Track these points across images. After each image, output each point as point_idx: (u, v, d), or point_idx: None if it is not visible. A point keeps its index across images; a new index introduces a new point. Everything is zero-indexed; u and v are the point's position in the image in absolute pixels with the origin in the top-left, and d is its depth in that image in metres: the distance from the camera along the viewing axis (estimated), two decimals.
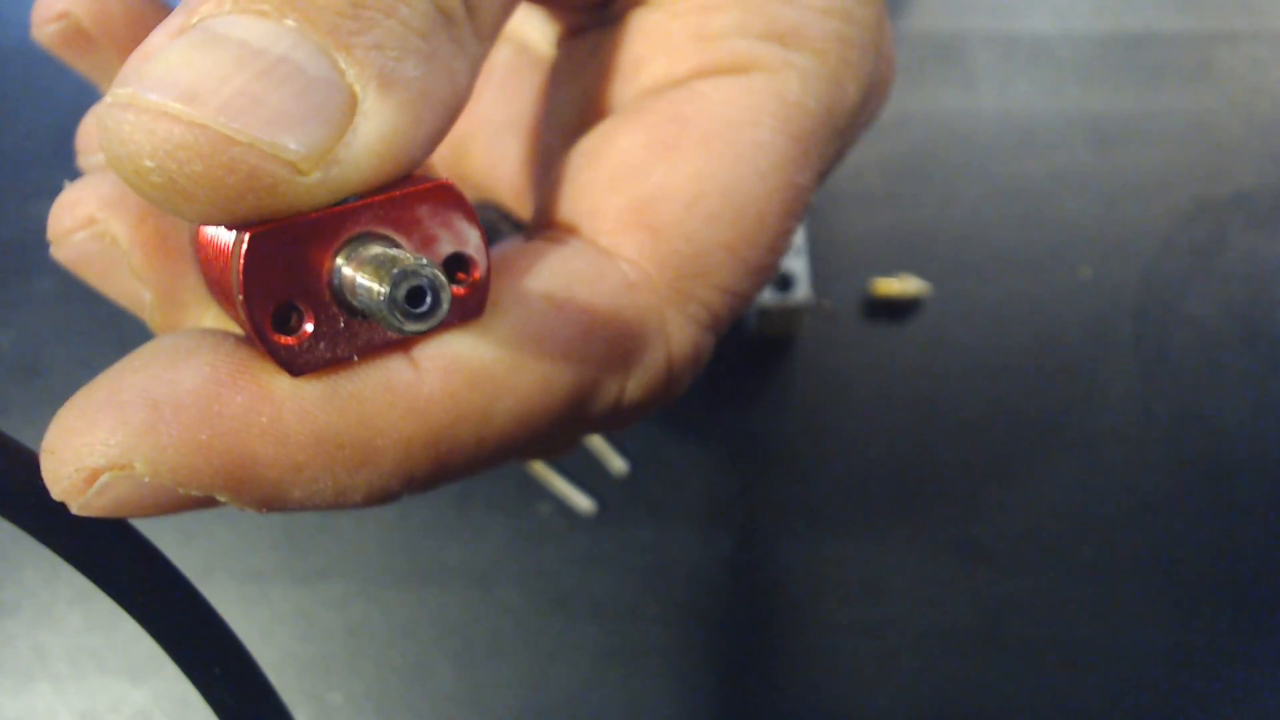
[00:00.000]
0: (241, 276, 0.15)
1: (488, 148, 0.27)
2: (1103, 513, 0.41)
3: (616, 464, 0.42)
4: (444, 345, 0.17)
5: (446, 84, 0.16)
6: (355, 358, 0.17)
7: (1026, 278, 0.44)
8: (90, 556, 0.16)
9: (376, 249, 0.15)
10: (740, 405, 0.43)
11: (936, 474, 0.42)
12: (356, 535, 0.41)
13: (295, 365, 0.16)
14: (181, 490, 0.16)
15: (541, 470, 0.41)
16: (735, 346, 0.44)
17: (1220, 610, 0.39)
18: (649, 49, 0.21)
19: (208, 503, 0.16)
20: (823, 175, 0.22)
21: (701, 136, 0.19)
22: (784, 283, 0.40)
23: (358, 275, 0.15)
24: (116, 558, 0.16)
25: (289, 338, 0.16)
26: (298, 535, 0.41)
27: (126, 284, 0.21)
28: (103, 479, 0.15)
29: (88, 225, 0.21)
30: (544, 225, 0.21)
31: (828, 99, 0.21)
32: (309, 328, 0.16)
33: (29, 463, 0.16)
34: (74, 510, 0.15)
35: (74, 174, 0.51)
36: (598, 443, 0.42)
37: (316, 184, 0.15)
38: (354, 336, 0.17)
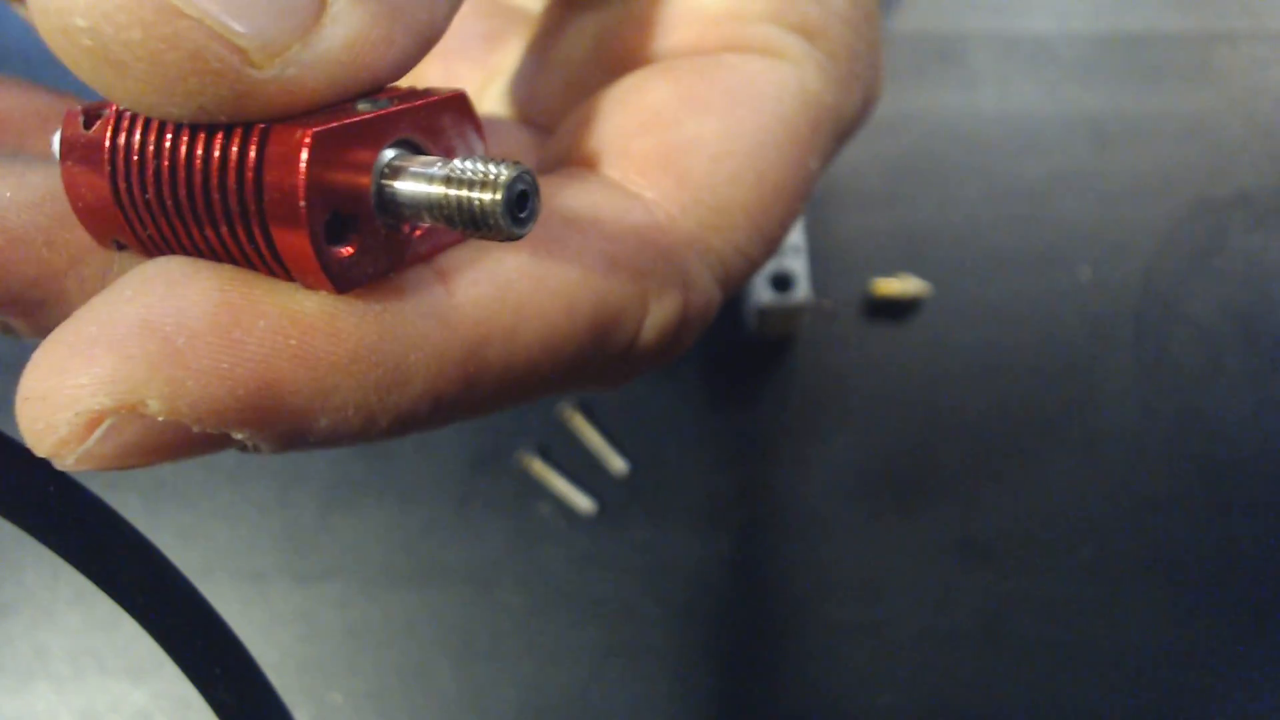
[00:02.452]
0: (304, 179, 0.14)
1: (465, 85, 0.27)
2: (1103, 513, 0.41)
3: (616, 464, 0.42)
4: (474, 260, 0.17)
5: (424, 9, 0.15)
6: (391, 273, 0.16)
7: (1026, 278, 0.44)
8: (90, 556, 0.16)
9: (442, 157, 0.15)
10: (740, 405, 0.43)
11: (936, 474, 0.42)
12: (356, 535, 0.41)
13: (344, 280, 0.15)
14: (198, 428, 0.14)
15: (541, 470, 0.41)
16: (735, 346, 0.44)
17: (1220, 610, 0.39)
18: (680, 17, 0.21)
19: (219, 444, 0.15)
20: (822, 171, 0.22)
21: (731, 99, 0.20)
22: (784, 283, 0.40)
23: (447, 183, 0.14)
24: (116, 558, 0.16)
25: (343, 249, 0.15)
26: (298, 535, 0.41)
27: None
28: (107, 423, 0.13)
29: None
30: (563, 161, 0.21)
31: (839, 98, 0.21)
32: (353, 240, 0.15)
33: (29, 463, 0.16)
34: (69, 464, 0.14)
35: None
36: (598, 443, 0.42)
37: (268, 81, 0.13)
38: (391, 249, 0.16)
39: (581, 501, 0.41)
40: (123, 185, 0.15)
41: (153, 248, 0.16)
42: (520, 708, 0.39)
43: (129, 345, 0.13)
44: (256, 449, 0.15)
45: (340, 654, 0.40)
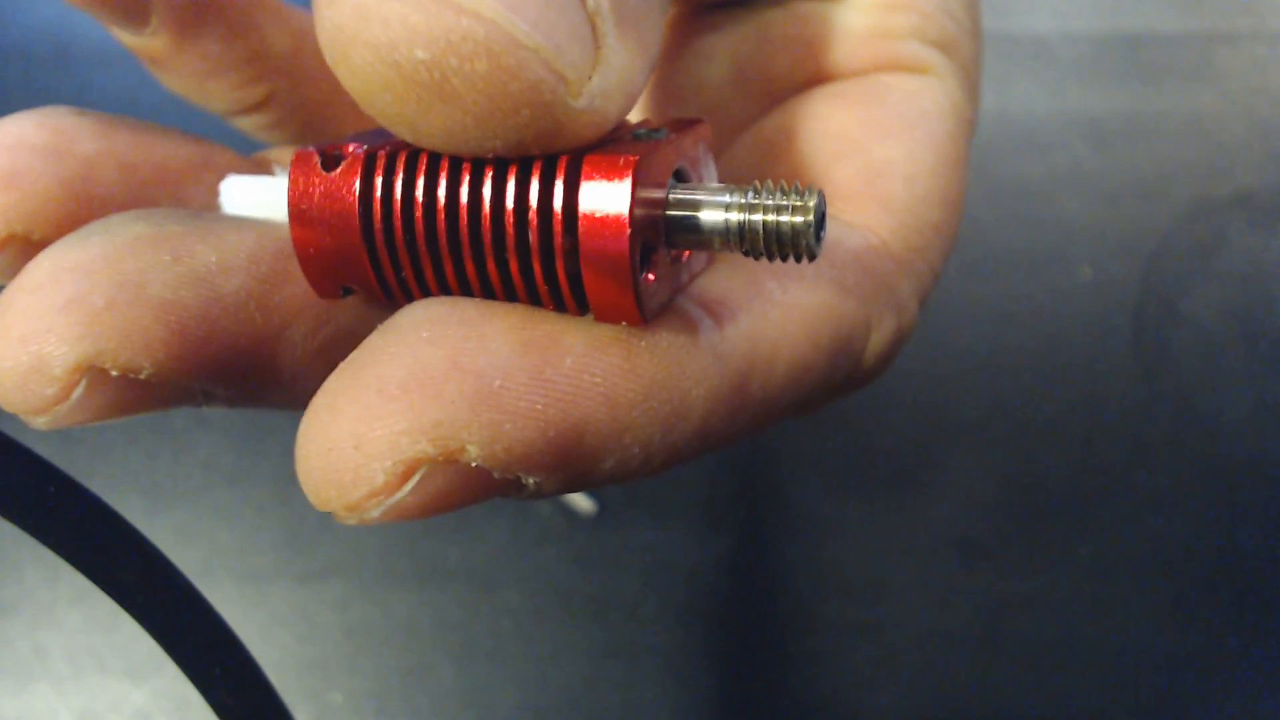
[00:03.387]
0: (631, 207, 0.13)
1: None
2: (1103, 513, 0.41)
3: None
4: (734, 292, 0.16)
5: (656, 39, 0.15)
6: (670, 303, 0.15)
7: (1026, 278, 0.44)
8: (90, 556, 0.16)
9: (728, 184, 0.15)
10: None
11: (936, 474, 0.42)
12: (356, 535, 0.41)
13: (649, 310, 0.14)
14: (501, 474, 0.14)
15: None
16: None
17: (1220, 610, 0.39)
18: (827, 38, 0.22)
19: (506, 489, 0.14)
20: None
21: (906, 121, 0.20)
22: None
23: (751, 210, 0.15)
24: (116, 558, 0.16)
25: (648, 276, 0.14)
26: (298, 535, 0.41)
27: None
28: (421, 471, 0.13)
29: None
30: None
31: (973, 111, 0.22)
32: (651, 269, 0.15)
33: (29, 463, 0.16)
34: (372, 517, 0.13)
35: None
36: None
37: (581, 112, 0.13)
38: (675, 276, 0.16)
39: (581, 501, 0.41)
40: (379, 227, 0.15)
41: (398, 290, 0.15)
42: (520, 708, 0.39)
43: (446, 389, 0.13)
44: (537, 493, 0.15)
45: (340, 654, 0.40)
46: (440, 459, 0.13)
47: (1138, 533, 0.40)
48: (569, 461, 0.14)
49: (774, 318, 0.17)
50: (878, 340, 0.20)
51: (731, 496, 0.41)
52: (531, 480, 0.14)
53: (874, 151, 0.20)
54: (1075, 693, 0.39)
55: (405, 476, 0.13)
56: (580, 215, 0.14)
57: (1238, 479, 0.41)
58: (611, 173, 0.14)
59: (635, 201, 0.14)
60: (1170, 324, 0.44)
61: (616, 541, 0.41)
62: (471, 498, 0.14)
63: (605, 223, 0.14)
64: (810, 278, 0.18)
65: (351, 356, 0.14)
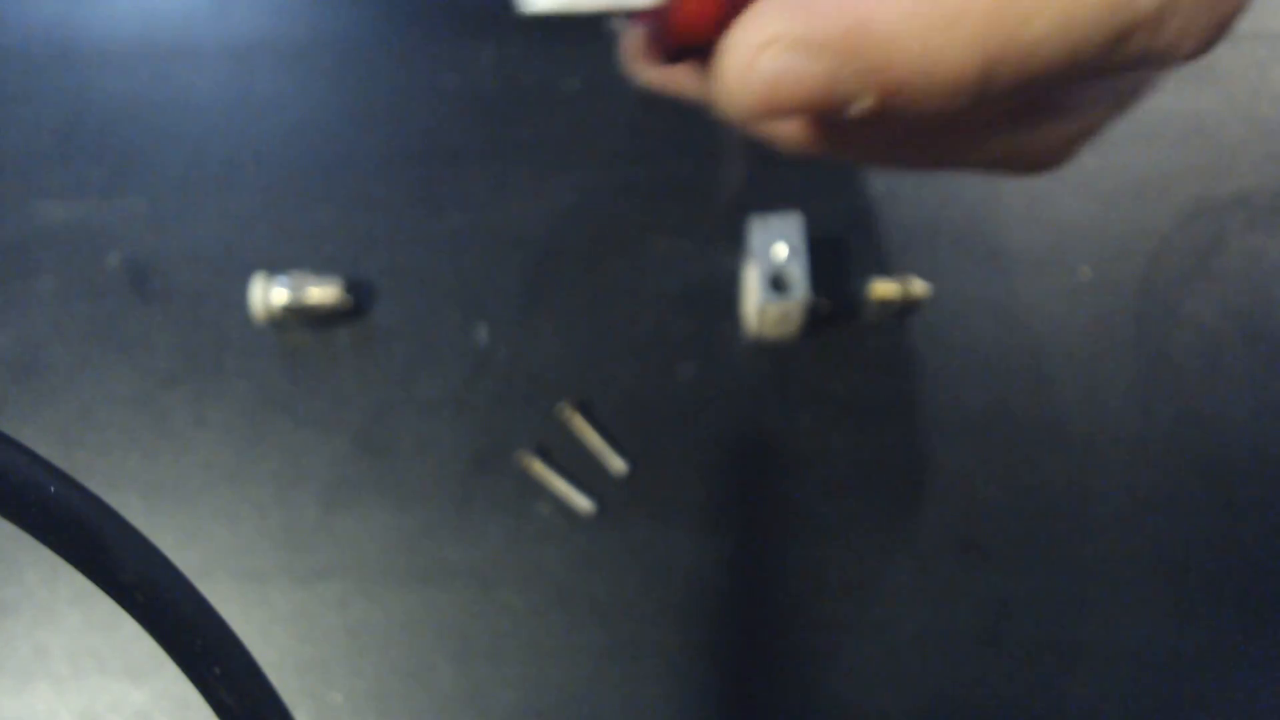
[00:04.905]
0: None
1: None
2: (1103, 513, 0.41)
3: (616, 464, 0.42)
4: None
5: None
6: None
7: (1026, 278, 0.44)
8: (90, 556, 0.16)
9: None
10: (740, 405, 0.43)
11: (936, 474, 0.42)
12: (356, 535, 0.41)
13: None
14: (816, 61, 0.19)
15: (541, 470, 0.41)
16: (735, 346, 0.44)
17: (1220, 610, 0.39)
18: None
19: (829, 93, 0.19)
20: None
21: None
22: (782, 283, 0.40)
23: None
24: (116, 558, 0.16)
25: None
26: (298, 535, 0.41)
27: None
28: (768, 51, 0.19)
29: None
30: None
31: None
32: None
33: (29, 462, 0.16)
34: (742, 92, 0.19)
35: (71, 175, 0.51)
36: (598, 443, 0.42)
37: None
38: None
39: (581, 501, 0.41)
40: None
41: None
42: (520, 708, 0.39)
43: (786, 8, 0.19)
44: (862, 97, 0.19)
45: (340, 654, 0.40)
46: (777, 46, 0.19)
47: (1138, 533, 0.40)
48: (861, 59, 0.19)
49: None
50: (1188, 11, 0.19)
51: (731, 496, 0.41)
52: (847, 72, 0.19)
53: None
54: (1075, 693, 0.39)
55: (759, 51, 0.19)
56: None
57: (1238, 479, 0.41)
58: None
59: None
60: (1170, 324, 0.44)
61: (616, 541, 0.41)
62: (802, 95, 0.19)
63: None
64: None
65: None
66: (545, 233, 0.45)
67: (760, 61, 0.19)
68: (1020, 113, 0.22)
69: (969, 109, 0.19)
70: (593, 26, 0.49)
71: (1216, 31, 0.19)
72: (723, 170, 0.46)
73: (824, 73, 0.19)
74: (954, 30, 0.18)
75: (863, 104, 0.19)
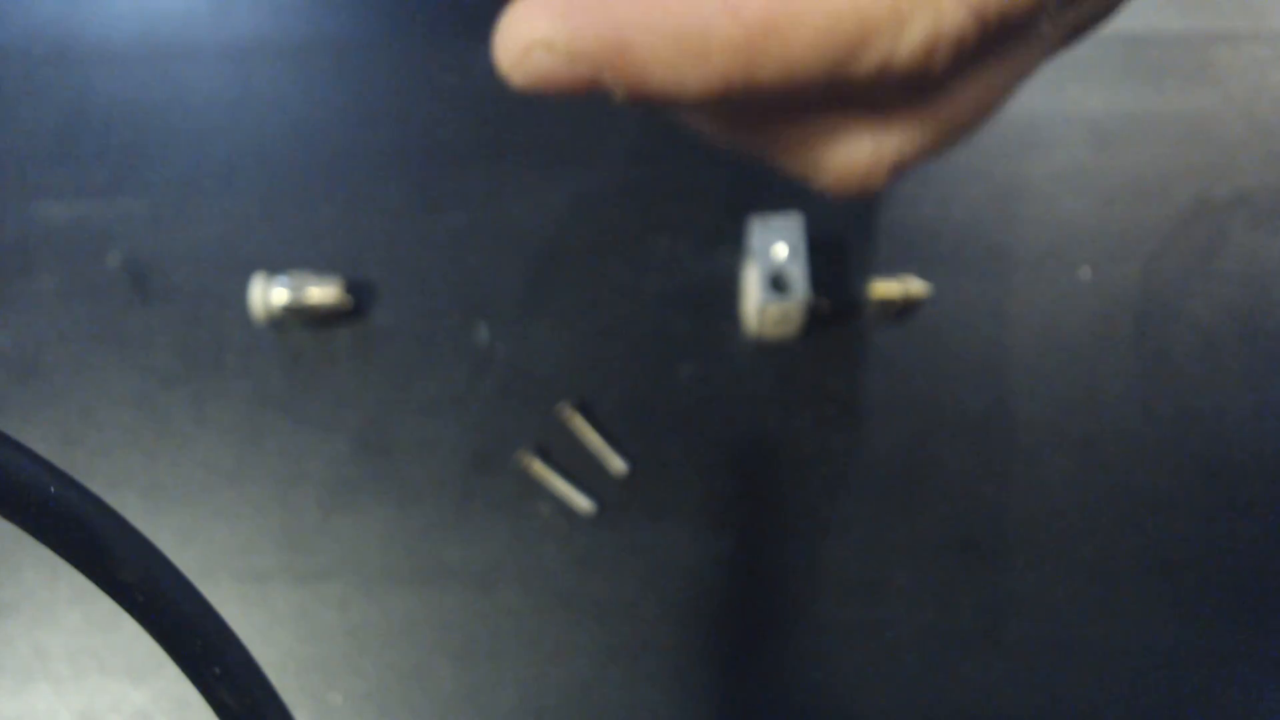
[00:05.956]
0: None
1: None
2: (1103, 513, 0.41)
3: (616, 464, 0.42)
4: None
5: None
6: None
7: (1026, 278, 0.44)
8: (90, 556, 0.16)
9: None
10: (740, 405, 0.43)
11: (936, 474, 0.42)
12: (356, 535, 0.41)
13: None
14: (576, 66, 0.21)
15: (541, 470, 0.41)
16: (735, 346, 0.44)
17: (1220, 610, 0.39)
18: None
19: (591, 85, 0.22)
20: None
21: None
22: (782, 283, 0.40)
23: None
24: (116, 558, 0.16)
25: None
26: (298, 535, 0.41)
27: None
28: (533, 52, 0.21)
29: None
30: None
31: None
32: None
33: (29, 462, 0.16)
34: (513, 77, 0.22)
35: (71, 175, 0.51)
36: (597, 443, 0.42)
37: None
38: None
39: (581, 501, 0.41)
40: None
41: None
42: (520, 708, 0.39)
43: (552, 7, 0.22)
44: (616, 95, 0.22)
45: (340, 654, 0.40)
46: (539, 47, 0.21)
47: (1138, 533, 0.40)
48: (620, 66, 0.21)
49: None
50: (911, 38, 0.22)
51: (731, 496, 0.41)
52: (605, 76, 0.22)
53: None
54: (1075, 693, 0.39)
55: (525, 52, 0.22)
56: None
57: (1238, 479, 0.41)
58: None
59: None
60: (1170, 324, 0.44)
61: (616, 541, 0.41)
62: (562, 82, 0.22)
63: None
64: None
65: None
66: (545, 233, 0.45)
67: (528, 59, 0.22)
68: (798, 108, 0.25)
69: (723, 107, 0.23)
70: None
71: (983, 32, 0.23)
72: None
73: (583, 76, 0.22)
74: (701, 64, 0.21)
75: (620, 98, 0.23)
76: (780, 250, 0.41)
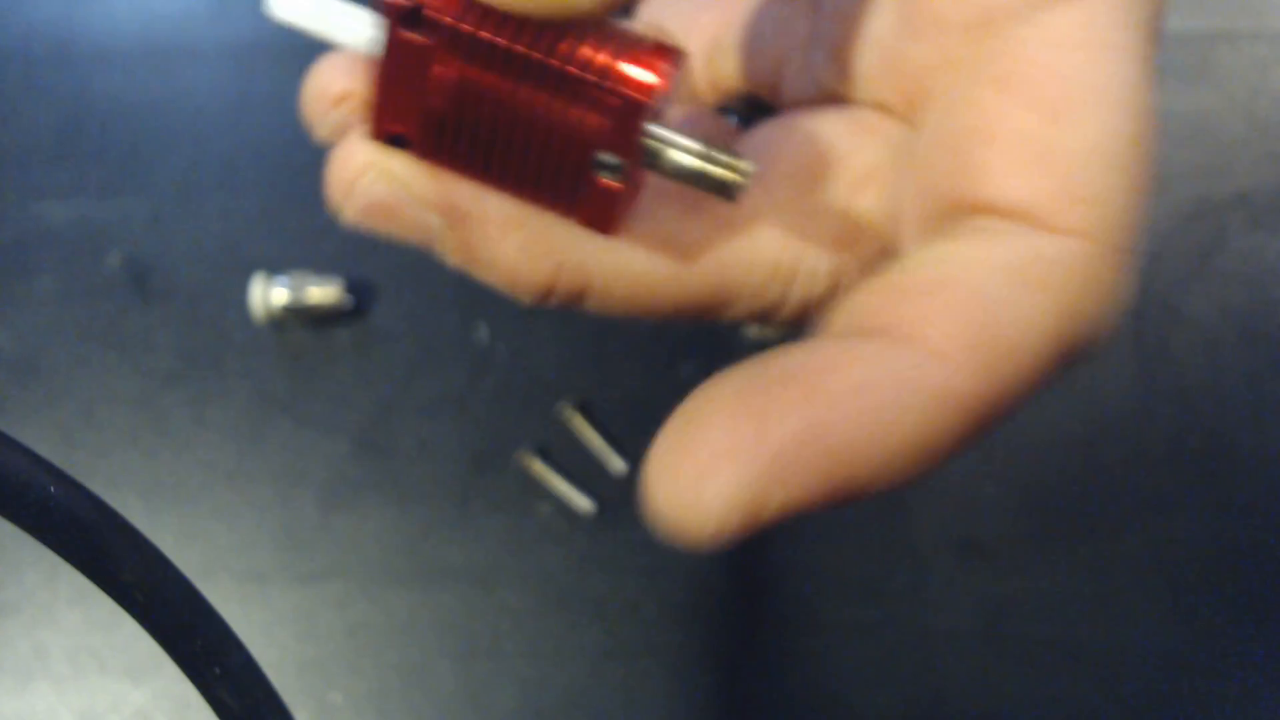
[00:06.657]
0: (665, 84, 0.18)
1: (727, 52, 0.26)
2: (1103, 513, 0.41)
3: (616, 464, 0.42)
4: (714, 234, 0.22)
5: None
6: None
7: None
8: (90, 556, 0.16)
9: (695, 136, 0.19)
10: None
11: (937, 474, 0.41)
12: (356, 535, 0.41)
13: (620, 202, 0.19)
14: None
15: (541, 470, 0.41)
16: (735, 346, 0.44)
17: (1220, 610, 0.39)
18: None
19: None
20: None
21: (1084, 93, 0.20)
22: None
23: (706, 160, 0.19)
24: (116, 558, 0.16)
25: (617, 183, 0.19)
26: (298, 535, 0.41)
27: (415, 217, 0.22)
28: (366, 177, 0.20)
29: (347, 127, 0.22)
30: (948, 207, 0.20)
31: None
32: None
33: (30, 462, 0.16)
34: (346, 204, 0.20)
35: (71, 175, 0.51)
36: (598, 443, 0.42)
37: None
38: (634, 190, 0.20)
39: (581, 501, 0.41)
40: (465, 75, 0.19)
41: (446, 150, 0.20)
42: (520, 708, 0.39)
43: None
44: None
45: (340, 654, 0.40)
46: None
47: (1138, 533, 0.40)
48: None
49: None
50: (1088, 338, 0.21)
51: None
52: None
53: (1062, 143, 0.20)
54: (1075, 693, 0.39)
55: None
56: (621, 74, 0.17)
57: (1238, 479, 0.41)
58: (656, 59, 0.17)
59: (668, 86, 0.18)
60: (1170, 324, 0.44)
61: (616, 541, 0.41)
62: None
63: (638, 85, 0.17)
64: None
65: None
66: None
67: (358, 186, 0.20)
68: None
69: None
70: None
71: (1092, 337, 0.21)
72: None
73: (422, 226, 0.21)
74: (535, 264, 0.22)
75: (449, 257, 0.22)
76: None
